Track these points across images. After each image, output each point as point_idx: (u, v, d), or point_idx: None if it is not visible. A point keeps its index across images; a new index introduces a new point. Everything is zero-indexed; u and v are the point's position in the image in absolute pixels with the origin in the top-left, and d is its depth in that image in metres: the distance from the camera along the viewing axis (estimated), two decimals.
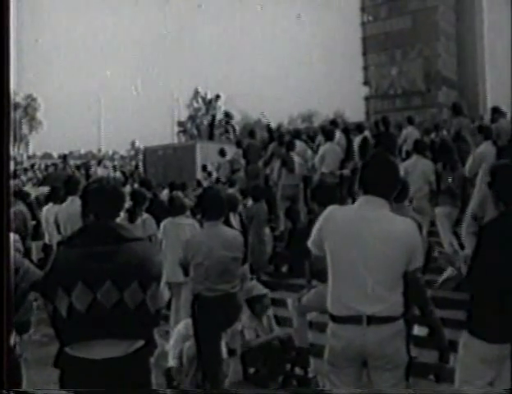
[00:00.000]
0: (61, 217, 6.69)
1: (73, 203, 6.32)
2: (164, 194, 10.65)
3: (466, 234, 5.55)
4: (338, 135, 10.44)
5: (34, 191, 10.83)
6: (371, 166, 3.14)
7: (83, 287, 2.55)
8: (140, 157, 22.15)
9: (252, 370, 5.29)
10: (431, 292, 5.57)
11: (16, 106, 50.88)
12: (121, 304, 2.56)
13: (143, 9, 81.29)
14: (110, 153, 49.05)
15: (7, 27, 2.86)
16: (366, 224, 2.94)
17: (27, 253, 7.19)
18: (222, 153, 13.26)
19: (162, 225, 6.62)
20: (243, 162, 11.78)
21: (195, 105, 37.51)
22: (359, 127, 11.04)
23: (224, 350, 4.83)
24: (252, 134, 12.45)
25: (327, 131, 10.32)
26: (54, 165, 19.82)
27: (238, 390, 5.05)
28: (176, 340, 5.17)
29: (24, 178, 19.78)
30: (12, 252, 3.19)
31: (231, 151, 13.42)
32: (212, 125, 19.60)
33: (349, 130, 10.92)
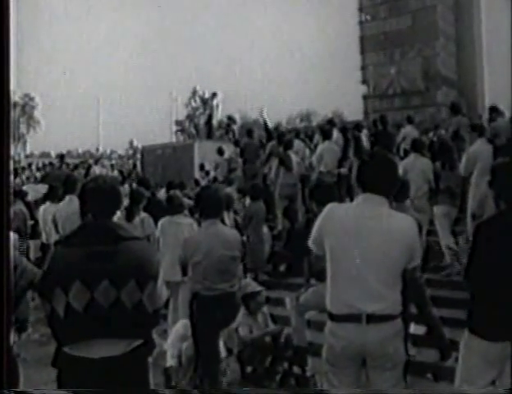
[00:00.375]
0: (59, 216, 6.68)
1: (71, 202, 6.31)
2: (162, 193, 10.64)
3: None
4: (336, 134, 10.45)
5: (32, 190, 10.80)
6: (370, 164, 3.14)
7: (80, 286, 2.54)
8: (138, 156, 22.10)
9: (249, 369, 5.28)
10: (430, 291, 5.56)
11: (14, 105, 50.82)
12: (119, 303, 2.56)
13: (142, 8, 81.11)
14: (108, 152, 49.00)
15: (7, 27, 2.86)
16: (365, 222, 2.94)
17: (25, 251, 7.19)
18: (220, 151, 13.26)
19: (160, 224, 6.60)
20: (240, 161, 11.78)
21: (193, 104, 37.47)
22: (358, 126, 11.04)
23: (222, 349, 4.83)
24: (249, 133, 12.44)
25: (325, 130, 10.32)
26: (51, 164, 19.81)
27: (237, 390, 5.04)
28: (174, 340, 5.17)
29: (23, 177, 19.76)
30: (12, 251, 3.19)
31: (230, 150, 13.41)
32: (208, 123, 19.54)
33: (347, 129, 10.92)
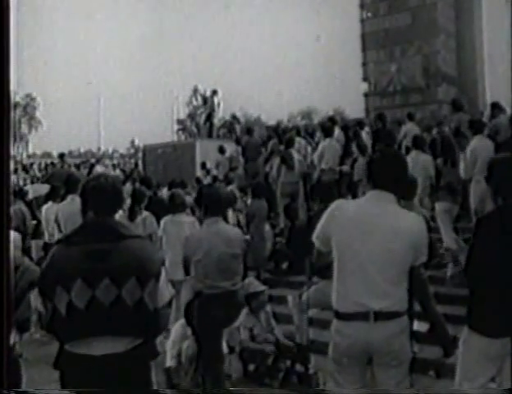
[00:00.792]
0: (62, 215, 6.68)
1: (73, 202, 6.29)
2: (164, 192, 10.63)
3: None
4: (337, 131, 10.44)
5: (32, 190, 10.80)
6: (380, 160, 3.13)
7: (82, 284, 2.55)
8: (140, 155, 22.10)
9: (252, 367, 5.28)
10: (432, 288, 5.55)
11: (16, 105, 50.85)
12: (120, 301, 2.56)
13: (142, 7, 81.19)
14: (109, 151, 49.10)
15: (7, 27, 2.86)
16: (373, 219, 2.93)
17: (27, 251, 7.19)
18: (222, 150, 13.25)
19: (162, 222, 6.60)
20: (242, 159, 11.77)
21: (195, 103, 37.45)
22: (360, 124, 11.03)
23: (224, 347, 4.83)
24: (249, 131, 12.42)
25: (326, 128, 10.30)
26: (52, 164, 19.82)
27: (239, 389, 5.04)
28: (173, 340, 5.16)
29: (26, 176, 19.78)
30: (12, 250, 3.19)
31: (231, 148, 13.39)
32: (209, 121, 19.50)
33: (348, 126, 10.91)
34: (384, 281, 2.86)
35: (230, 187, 10.49)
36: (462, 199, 7.20)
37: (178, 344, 5.09)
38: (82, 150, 50.45)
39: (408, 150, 8.96)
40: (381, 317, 2.84)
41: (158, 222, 6.67)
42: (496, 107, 9.34)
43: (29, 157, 43.17)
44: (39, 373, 4.09)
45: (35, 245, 8.38)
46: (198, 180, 13.09)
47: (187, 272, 4.71)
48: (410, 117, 11.67)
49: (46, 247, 7.82)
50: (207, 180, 12.84)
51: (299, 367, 5.28)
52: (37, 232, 8.52)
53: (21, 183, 17.04)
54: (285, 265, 8.47)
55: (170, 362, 5.07)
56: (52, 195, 8.23)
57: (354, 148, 9.78)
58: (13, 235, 3.64)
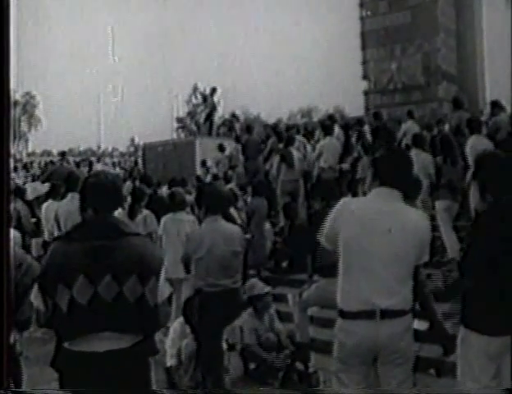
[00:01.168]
0: (61, 213, 6.67)
1: (73, 200, 6.29)
2: (164, 190, 10.63)
3: None
4: (337, 129, 10.44)
5: (32, 188, 10.79)
6: (388, 158, 3.13)
7: (84, 281, 2.55)
8: (140, 153, 22.07)
9: (252, 365, 5.28)
10: (431, 286, 5.55)
11: (15, 103, 50.82)
12: (121, 297, 2.57)
13: (142, 6, 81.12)
14: (109, 149, 49.05)
15: (7, 27, 2.86)
16: (380, 216, 2.92)
17: (26, 250, 7.18)
18: (221, 148, 13.25)
19: (162, 221, 6.60)
20: (242, 157, 11.77)
21: (194, 101, 37.35)
22: (360, 122, 11.03)
23: (224, 345, 4.83)
24: (249, 129, 12.42)
25: (326, 126, 10.31)
26: (52, 162, 19.80)
27: (239, 389, 5.04)
28: (172, 339, 5.15)
29: (27, 174, 19.78)
30: (15, 248, 3.19)
31: (231, 147, 13.39)
32: (209, 120, 19.48)
33: (348, 125, 10.91)
34: (391, 279, 2.85)
35: (230, 185, 10.50)
36: (462, 197, 7.19)
37: (177, 342, 5.09)
38: (82, 148, 50.41)
39: (408, 148, 8.96)
40: (387, 315, 2.83)
41: (158, 221, 6.67)
42: (496, 106, 9.33)
43: (28, 155, 43.14)
44: (40, 372, 4.09)
45: (35, 243, 8.37)
46: (199, 179, 13.10)
47: (187, 271, 4.72)
48: (410, 115, 11.66)
49: (45, 245, 7.82)
50: (207, 179, 12.85)
51: (299, 365, 5.28)
52: (36, 230, 8.51)
53: (21, 182, 17.03)
54: (285, 263, 8.47)
55: (170, 361, 5.06)
56: (53, 193, 8.22)
57: (356, 147, 9.78)
58: (13, 233, 3.64)
